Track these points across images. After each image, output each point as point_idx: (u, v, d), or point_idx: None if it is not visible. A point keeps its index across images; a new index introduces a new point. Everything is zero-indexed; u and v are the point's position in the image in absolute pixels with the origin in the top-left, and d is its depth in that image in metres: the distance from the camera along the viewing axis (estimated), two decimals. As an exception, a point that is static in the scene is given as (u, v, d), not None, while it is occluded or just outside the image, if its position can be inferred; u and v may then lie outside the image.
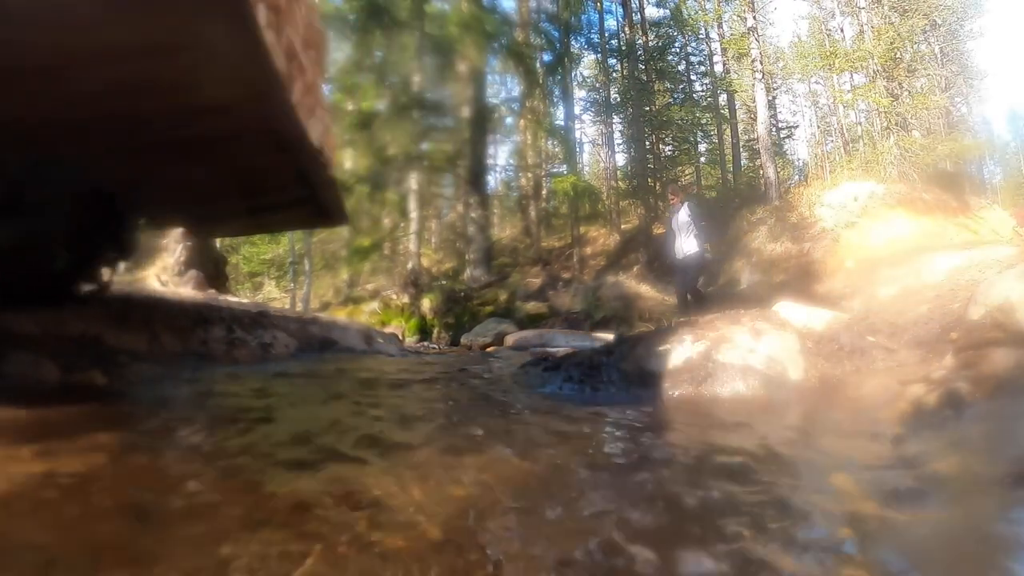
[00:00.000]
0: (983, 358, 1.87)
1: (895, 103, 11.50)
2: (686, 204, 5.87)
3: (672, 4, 16.24)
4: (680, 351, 2.65)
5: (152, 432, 1.77)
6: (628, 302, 9.86)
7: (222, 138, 2.31)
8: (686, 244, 5.69)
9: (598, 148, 20.19)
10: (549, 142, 16.30)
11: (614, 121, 16.95)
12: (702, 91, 16.96)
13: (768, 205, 11.55)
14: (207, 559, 0.89)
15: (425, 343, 10.13)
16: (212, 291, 6.48)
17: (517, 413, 2.25)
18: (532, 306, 11.26)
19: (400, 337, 8.97)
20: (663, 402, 2.39)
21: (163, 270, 7.17)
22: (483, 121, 13.24)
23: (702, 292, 6.13)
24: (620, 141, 17.19)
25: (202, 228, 4.35)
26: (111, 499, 1.12)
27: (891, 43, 11.54)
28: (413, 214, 12.97)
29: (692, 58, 17.17)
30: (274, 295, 17.79)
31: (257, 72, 1.82)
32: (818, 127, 15.69)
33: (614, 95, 16.71)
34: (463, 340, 9.62)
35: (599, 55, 17.26)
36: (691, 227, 5.68)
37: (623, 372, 2.68)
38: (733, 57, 14.63)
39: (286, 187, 2.93)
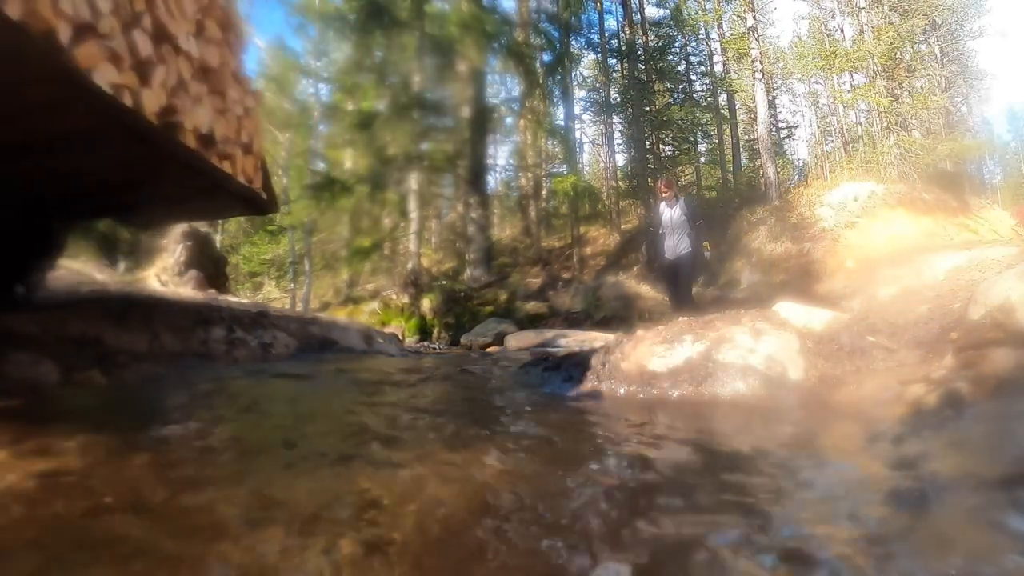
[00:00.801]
0: (983, 358, 1.87)
1: (895, 103, 11.50)
2: (682, 200, 5.38)
3: (672, 4, 16.24)
4: (680, 351, 2.65)
5: (151, 431, 1.77)
6: (628, 302, 9.86)
7: (77, 134, 2.20)
8: (680, 243, 5.24)
9: (598, 148, 20.21)
10: (549, 142, 16.32)
11: (614, 121, 16.96)
12: (702, 91, 16.96)
13: (768, 205, 11.56)
14: (205, 557, 0.89)
15: (425, 343, 10.13)
16: (212, 291, 6.48)
17: (515, 412, 2.25)
18: (532, 306, 11.26)
19: (400, 337, 8.97)
20: (664, 402, 2.39)
21: (163, 270, 7.17)
22: (483, 121, 13.25)
23: (690, 294, 5.59)
24: (620, 141, 17.21)
25: (122, 219, 4.21)
26: (109, 497, 1.12)
27: (891, 43, 11.55)
28: (413, 214, 12.97)
29: (692, 58, 17.17)
30: (274, 295, 17.81)
31: (52, 69, 1.74)
32: (818, 127, 15.70)
33: (614, 95, 16.72)
34: (463, 340, 9.62)
35: (599, 55, 17.27)
36: (686, 225, 5.22)
37: (624, 372, 2.68)
38: (733, 57, 14.64)
39: (175, 178, 2.78)
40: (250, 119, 3.05)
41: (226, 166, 2.84)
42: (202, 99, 2.58)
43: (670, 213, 5.30)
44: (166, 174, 2.72)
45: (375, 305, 12.41)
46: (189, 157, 2.52)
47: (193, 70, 2.51)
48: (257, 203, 3.31)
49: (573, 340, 6.81)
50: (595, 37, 17.03)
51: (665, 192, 5.44)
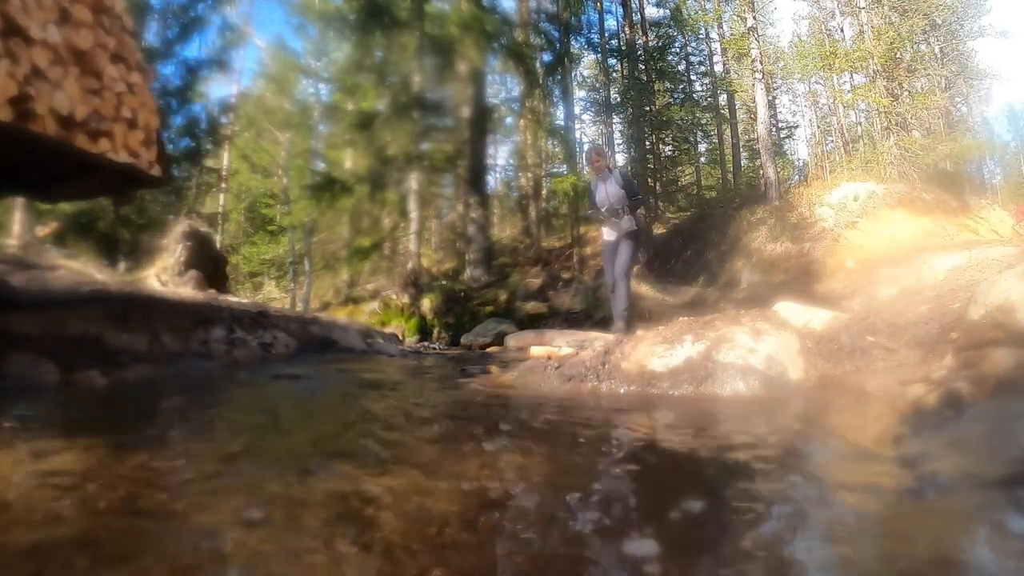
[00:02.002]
0: (983, 358, 1.87)
1: (895, 103, 11.50)
2: (616, 172, 4.72)
3: (672, 4, 16.24)
4: (680, 351, 2.65)
5: (151, 432, 1.77)
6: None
7: None
8: (624, 221, 4.62)
9: (598, 148, 20.15)
10: (549, 142, 16.32)
11: (614, 121, 16.96)
12: (702, 91, 16.98)
13: (768, 205, 11.55)
14: (206, 556, 0.89)
15: (425, 343, 10.13)
16: (212, 291, 6.48)
17: (515, 413, 2.25)
18: (532, 306, 11.26)
19: (400, 337, 8.97)
20: (664, 402, 2.38)
21: (163, 270, 7.17)
22: (483, 121, 13.25)
23: (625, 277, 4.78)
24: (620, 141, 17.21)
25: (29, 195, 4.34)
26: (109, 497, 1.12)
27: (891, 43, 11.54)
28: (413, 214, 12.97)
29: (692, 58, 17.20)
30: (274, 295, 17.82)
31: None
32: (818, 127, 15.71)
33: (614, 95, 16.72)
34: (463, 340, 9.62)
35: (599, 55, 17.26)
36: (625, 200, 4.58)
37: (624, 372, 2.68)
38: (733, 57, 14.64)
39: (41, 159, 2.90)
40: (135, 95, 3.15)
41: (103, 143, 2.92)
42: (63, 83, 2.69)
43: (605, 188, 4.66)
44: (29, 157, 2.82)
45: (375, 305, 12.41)
46: (47, 140, 2.62)
47: (53, 56, 2.64)
48: (144, 178, 3.36)
49: (573, 340, 6.81)
50: (595, 37, 17.03)
51: (597, 161, 4.75)
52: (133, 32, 3.29)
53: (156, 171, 3.33)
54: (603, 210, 4.68)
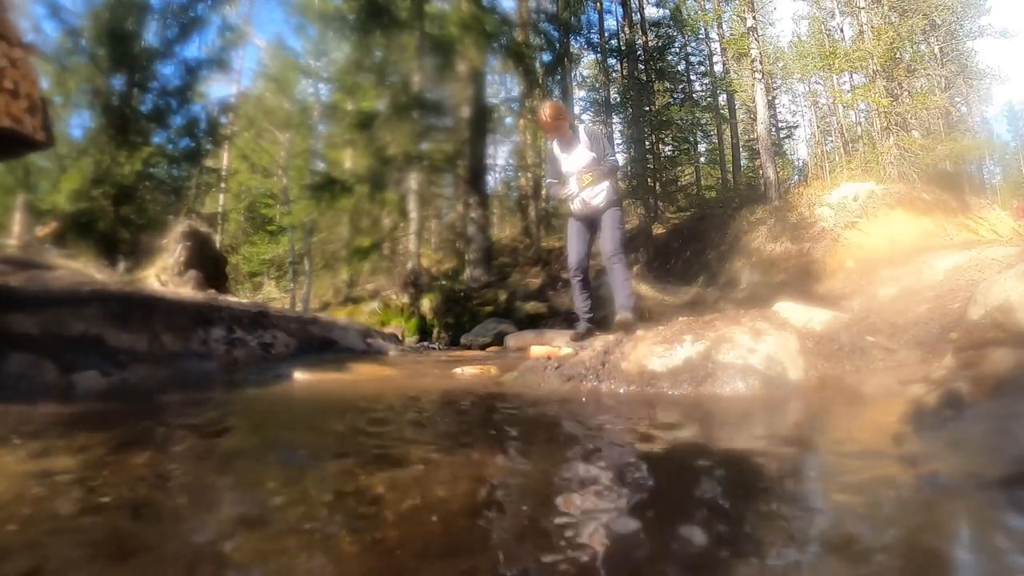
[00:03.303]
0: (983, 358, 1.87)
1: (895, 103, 11.51)
2: (581, 130, 3.72)
3: (672, 4, 16.26)
4: (680, 351, 2.65)
5: (150, 431, 1.77)
6: (628, 302, 9.83)
7: None
8: (596, 192, 3.61)
9: (598, 148, 20.16)
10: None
11: (614, 121, 16.97)
12: (702, 91, 17.00)
13: (768, 205, 11.56)
14: (205, 555, 0.89)
15: (425, 343, 10.12)
16: (212, 291, 6.47)
17: (513, 412, 2.25)
18: (532, 306, 11.25)
19: (400, 337, 8.96)
20: (663, 401, 2.39)
21: (163, 270, 7.16)
22: (483, 121, 13.25)
23: (623, 266, 3.76)
24: (620, 141, 17.21)
25: None
26: (108, 496, 1.12)
27: (891, 43, 11.55)
28: (413, 214, 12.97)
29: (692, 58, 17.22)
30: (274, 295, 17.84)
31: None
32: (818, 127, 15.73)
33: (614, 95, 16.74)
34: (463, 340, 9.61)
35: (599, 55, 17.29)
36: (596, 164, 3.58)
37: (624, 372, 2.69)
38: (733, 57, 14.66)
39: None
40: (17, 69, 3.45)
41: None
42: None
43: (567, 157, 3.70)
44: None
45: (375, 305, 12.41)
46: None
47: None
48: (29, 142, 3.64)
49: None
50: (595, 37, 17.05)
51: (554, 124, 3.64)
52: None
53: (41, 136, 3.62)
54: (571, 180, 3.69)
